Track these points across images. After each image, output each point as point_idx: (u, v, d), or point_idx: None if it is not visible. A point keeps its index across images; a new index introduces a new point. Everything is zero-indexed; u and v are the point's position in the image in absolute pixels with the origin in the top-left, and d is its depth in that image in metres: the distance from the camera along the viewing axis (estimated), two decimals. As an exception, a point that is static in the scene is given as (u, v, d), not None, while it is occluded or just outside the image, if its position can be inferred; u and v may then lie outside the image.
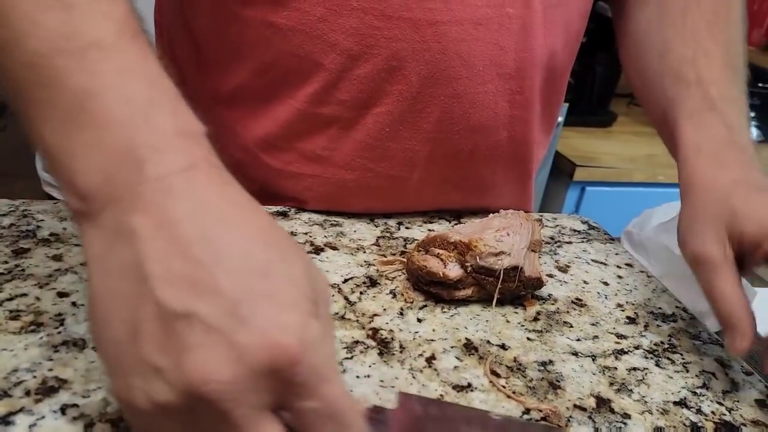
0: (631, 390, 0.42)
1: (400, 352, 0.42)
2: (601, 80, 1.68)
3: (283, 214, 0.58)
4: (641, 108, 1.95)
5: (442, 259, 0.47)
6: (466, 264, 0.47)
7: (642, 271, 0.57)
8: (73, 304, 0.42)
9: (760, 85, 1.60)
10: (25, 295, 0.42)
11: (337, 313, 0.45)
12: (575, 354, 0.44)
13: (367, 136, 0.55)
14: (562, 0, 0.55)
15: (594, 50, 1.62)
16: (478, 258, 0.46)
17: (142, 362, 0.24)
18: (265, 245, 0.27)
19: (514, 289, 0.48)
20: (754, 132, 1.61)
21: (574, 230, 0.64)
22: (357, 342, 0.42)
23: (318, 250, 0.53)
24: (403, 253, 0.55)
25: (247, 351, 0.24)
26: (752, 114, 1.60)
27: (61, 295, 0.42)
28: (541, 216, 0.65)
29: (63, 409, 0.33)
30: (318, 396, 0.25)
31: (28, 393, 0.34)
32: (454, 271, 0.47)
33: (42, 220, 0.52)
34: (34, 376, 0.35)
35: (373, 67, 0.51)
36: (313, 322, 0.26)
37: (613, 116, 1.71)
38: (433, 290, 0.48)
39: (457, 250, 0.48)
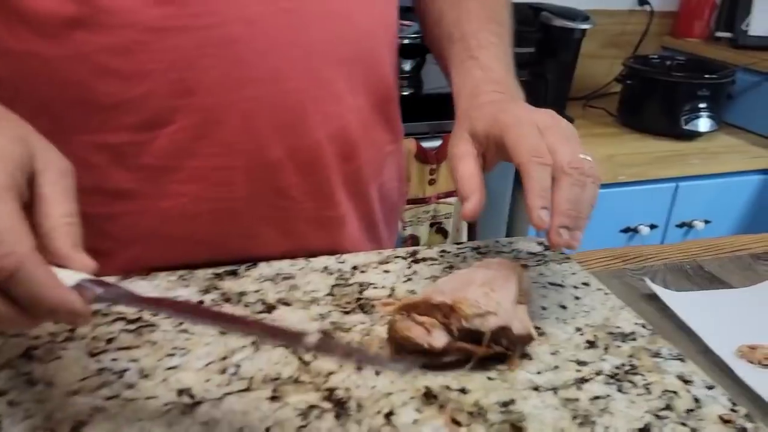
0: (594, 422, 0.41)
1: (358, 411, 0.41)
2: (554, 87, 1.70)
3: (233, 273, 0.57)
4: (595, 109, 1.97)
5: (426, 327, 0.45)
6: (451, 326, 0.44)
7: (599, 289, 0.57)
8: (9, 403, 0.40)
9: (706, 76, 1.63)
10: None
11: (290, 377, 0.44)
12: (536, 389, 0.44)
13: (166, 156, 0.54)
14: None
15: (542, 59, 1.64)
16: (463, 321, 0.44)
17: None
18: None
19: (502, 350, 0.45)
20: (707, 122, 1.64)
21: (531, 253, 0.63)
22: (312, 407, 0.41)
23: (270, 309, 0.52)
24: (359, 299, 0.53)
25: None
26: (702, 105, 1.62)
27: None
28: (526, 264, 0.59)
29: None
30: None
31: None
32: (439, 339, 0.44)
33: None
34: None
35: (153, 84, 0.51)
36: None
37: (570, 121, 1.72)
38: (418, 359, 0.45)
39: (441, 312, 0.45)
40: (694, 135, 1.66)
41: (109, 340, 0.46)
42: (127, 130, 0.53)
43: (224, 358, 0.45)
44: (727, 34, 1.88)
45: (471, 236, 1.48)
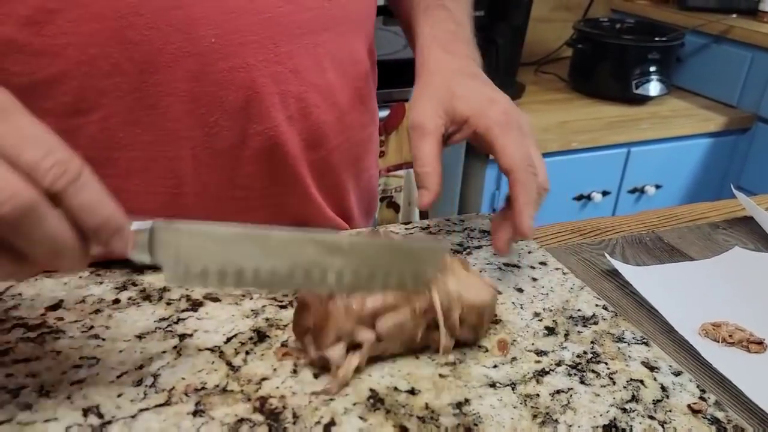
0: (556, 420, 0.37)
1: (294, 423, 0.36)
2: (505, 52, 1.65)
3: (154, 266, 0.51)
4: (547, 75, 1.93)
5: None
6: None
7: (557, 268, 0.53)
8: None
9: (656, 39, 1.61)
10: None
11: (217, 386, 0.38)
12: (493, 385, 0.40)
13: (98, 147, 0.47)
14: None
15: (492, 23, 1.59)
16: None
17: None
18: None
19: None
20: (657, 86, 1.63)
21: (483, 231, 0.59)
22: (241, 420, 0.36)
23: (196, 306, 0.46)
24: (296, 292, 0.48)
25: None
26: (652, 69, 1.61)
27: None
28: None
29: None
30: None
31: None
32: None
33: None
34: None
35: (67, 62, 0.43)
36: None
37: (522, 87, 1.69)
38: None
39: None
40: (644, 99, 1.65)
41: (4, 352, 0.40)
42: (49, 117, 0.44)
43: (140, 367, 0.39)
44: (676, -4, 1.87)
45: (422, 212, 1.44)
